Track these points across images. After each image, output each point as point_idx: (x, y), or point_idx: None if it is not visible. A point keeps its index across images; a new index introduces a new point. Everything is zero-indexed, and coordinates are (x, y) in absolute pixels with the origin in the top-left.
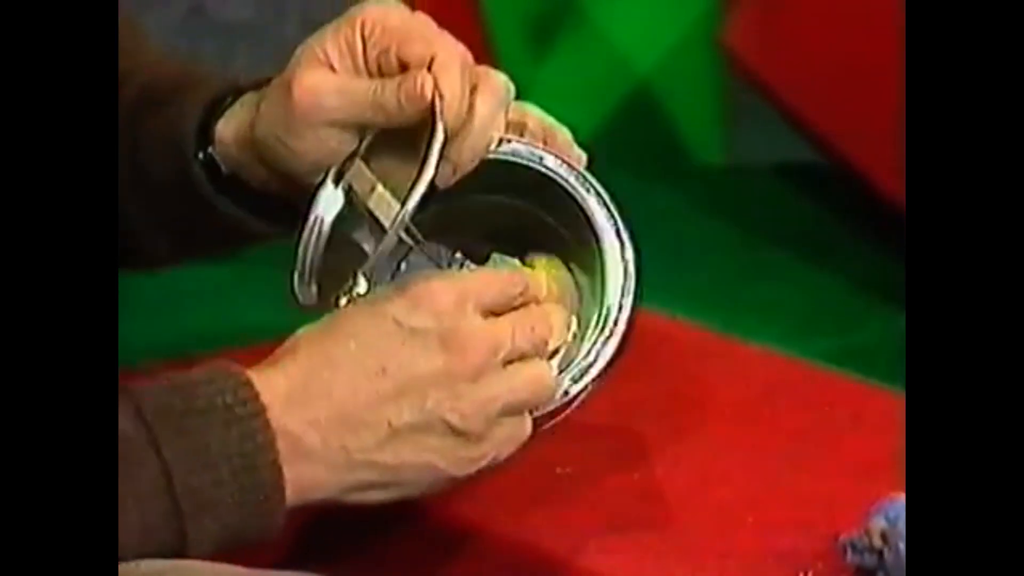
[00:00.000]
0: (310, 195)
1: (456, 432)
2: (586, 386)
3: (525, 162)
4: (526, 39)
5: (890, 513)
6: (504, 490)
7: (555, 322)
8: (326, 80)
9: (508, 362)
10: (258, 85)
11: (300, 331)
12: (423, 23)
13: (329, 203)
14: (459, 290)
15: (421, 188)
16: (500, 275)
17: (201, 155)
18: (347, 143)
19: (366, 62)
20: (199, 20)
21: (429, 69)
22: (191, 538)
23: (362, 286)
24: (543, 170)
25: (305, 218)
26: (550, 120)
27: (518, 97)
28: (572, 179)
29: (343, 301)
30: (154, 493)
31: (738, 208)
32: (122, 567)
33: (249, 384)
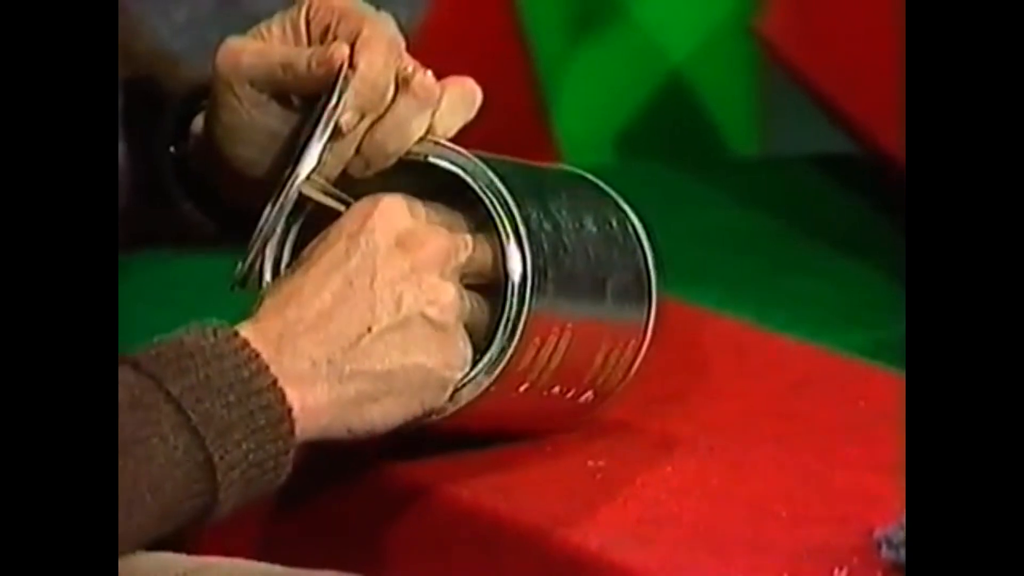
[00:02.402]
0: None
1: (436, 326)
2: (494, 379)
3: (446, 166)
4: (561, 28)
5: None
6: (535, 484)
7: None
8: (249, 43)
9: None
10: None
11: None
12: (364, 7)
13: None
14: (407, 203)
15: (307, 164)
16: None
17: (174, 148)
18: (274, 117)
19: (309, 40)
20: (231, 11)
21: (353, 45)
22: (218, 468)
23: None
24: (458, 173)
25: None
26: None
27: (552, 92)
28: (490, 196)
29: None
30: (173, 429)
31: (773, 199)
32: (154, 557)
33: (225, 327)
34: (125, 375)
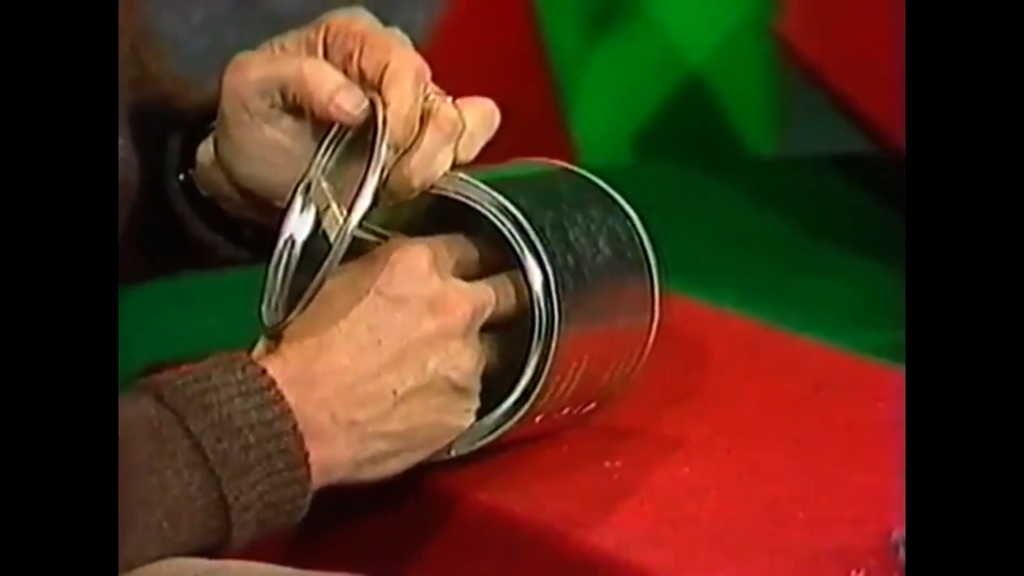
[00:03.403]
0: (278, 220)
1: (457, 387)
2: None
3: (471, 204)
4: (578, 28)
5: None
6: (552, 485)
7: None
8: (259, 55)
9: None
10: None
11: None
12: (386, 32)
13: (299, 226)
14: (433, 251)
15: (360, 209)
16: (463, 239)
17: (182, 176)
18: (283, 132)
19: (327, 62)
20: (249, 10)
21: (382, 77)
22: (232, 508)
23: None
24: (486, 214)
25: (274, 243)
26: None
27: (569, 91)
28: (515, 234)
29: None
30: (189, 465)
31: (790, 199)
32: (166, 565)
33: (254, 363)
34: (146, 405)
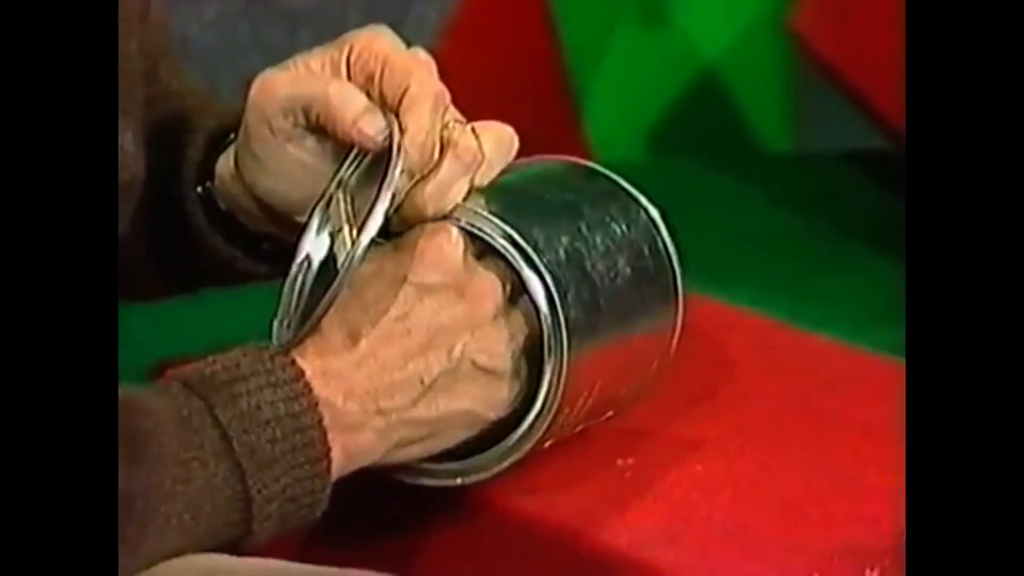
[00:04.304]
0: (296, 237)
1: (486, 371)
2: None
3: (484, 238)
4: (592, 23)
5: None
6: (565, 482)
7: None
8: (285, 74)
9: None
10: None
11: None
12: (408, 54)
13: (316, 246)
14: (459, 237)
15: (368, 234)
16: None
17: (200, 189)
18: (305, 151)
19: (350, 80)
20: (263, 7)
21: (400, 101)
22: (255, 501)
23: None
24: (498, 247)
25: (291, 263)
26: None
27: (583, 88)
28: (524, 267)
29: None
30: (215, 455)
31: (806, 196)
32: (181, 562)
33: (284, 354)
34: (176, 392)
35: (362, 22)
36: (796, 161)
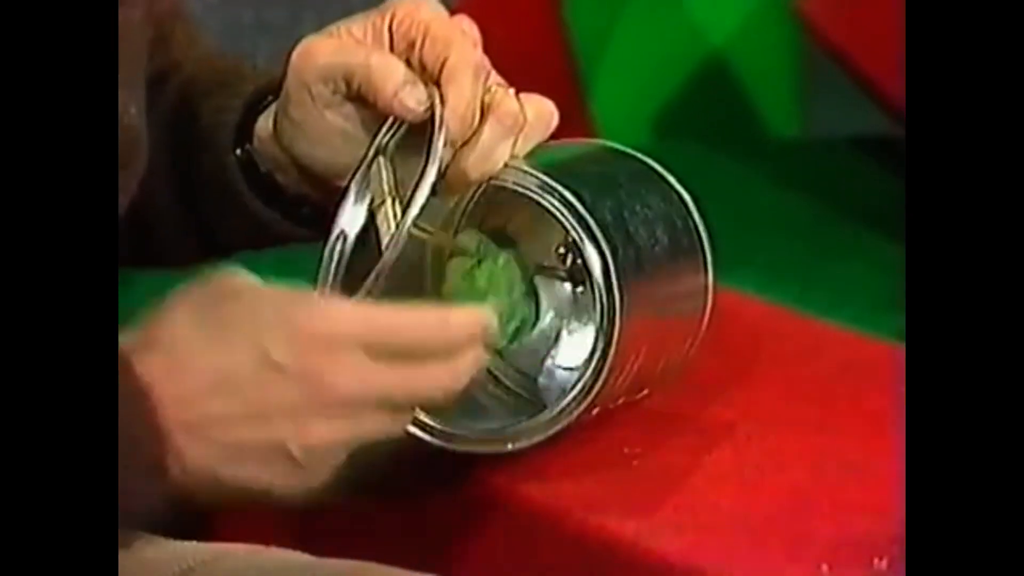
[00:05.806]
0: (335, 204)
1: (295, 463)
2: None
3: (532, 196)
4: (599, 7)
5: None
6: (572, 470)
7: (447, 383)
8: (327, 42)
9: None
10: None
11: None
12: (449, 23)
13: (352, 218)
14: (359, 321)
15: (415, 208)
16: (414, 318)
17: (239, 151)
18: (345, 118)
19: (392, 48)
20: None
21: (440, 71)
22: None
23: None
24: (547, 207)
25: (328, 232)
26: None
27: (590, 71)
28: (576, 225)
29: None
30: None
31: (814, 182)
32: (169, 546)
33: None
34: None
35: (366, 4)
36: (804, 146)
